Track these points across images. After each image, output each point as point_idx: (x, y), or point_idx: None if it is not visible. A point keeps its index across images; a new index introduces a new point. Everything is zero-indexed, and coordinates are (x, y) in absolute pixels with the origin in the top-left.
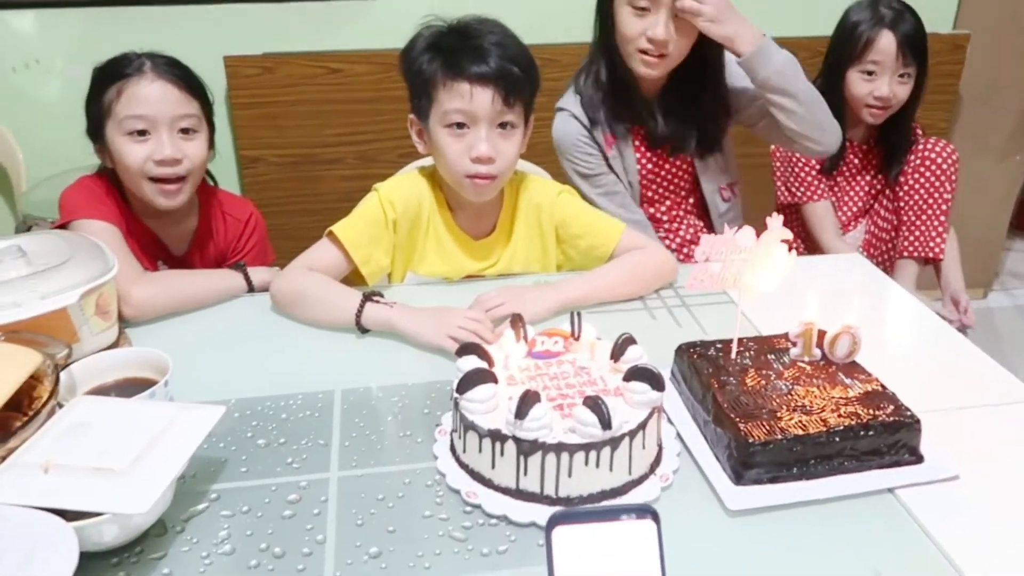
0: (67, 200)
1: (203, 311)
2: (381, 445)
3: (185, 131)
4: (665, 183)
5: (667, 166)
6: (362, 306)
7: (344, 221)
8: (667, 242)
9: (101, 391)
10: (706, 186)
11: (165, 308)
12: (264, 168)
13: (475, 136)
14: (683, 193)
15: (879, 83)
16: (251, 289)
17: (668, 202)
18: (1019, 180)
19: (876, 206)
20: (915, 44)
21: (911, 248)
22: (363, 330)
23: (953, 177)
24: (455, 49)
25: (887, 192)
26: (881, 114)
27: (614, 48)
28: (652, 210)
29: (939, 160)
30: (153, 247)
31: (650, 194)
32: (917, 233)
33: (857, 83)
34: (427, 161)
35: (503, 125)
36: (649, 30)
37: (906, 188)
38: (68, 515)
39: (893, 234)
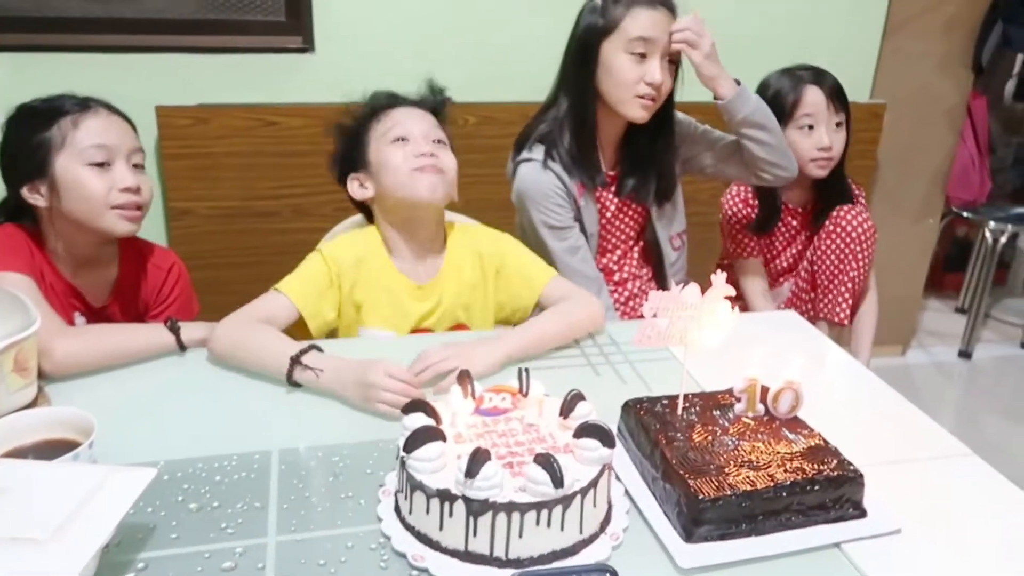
0: None
1: (130, 368)
2: (322, 507)
3: (136, 166)
4: (620, 232)
5: (627, 214)
6: (291, 368)
7: (289, 277)
8: (615, 295)
9: (18, 454)
10: (660, 233)
11: (89, 364)
12: (194, 220)
13: (414, 146)
14: (631, 243)
15: (818, 133)
16: (181, 346)
17: (619, 251)
18: (933, 242)
19: (802, 265)
20: (839, 93)
21: (823, 311)
22: (295, 384)
23: (867, 247)
24: (387, 97)
25: (808, 253)
26: (827, 164)
27: (590, 97)
28: (604, 260)
29: (850, 228)
30: (70, 298)
31: (605, 243)
32: (828, 297)
33: (798, 140)
34: (360, 219)
35: (437, 142)
36: (647, 75)
37: (820, 251)
38: None
39: (813, 294)
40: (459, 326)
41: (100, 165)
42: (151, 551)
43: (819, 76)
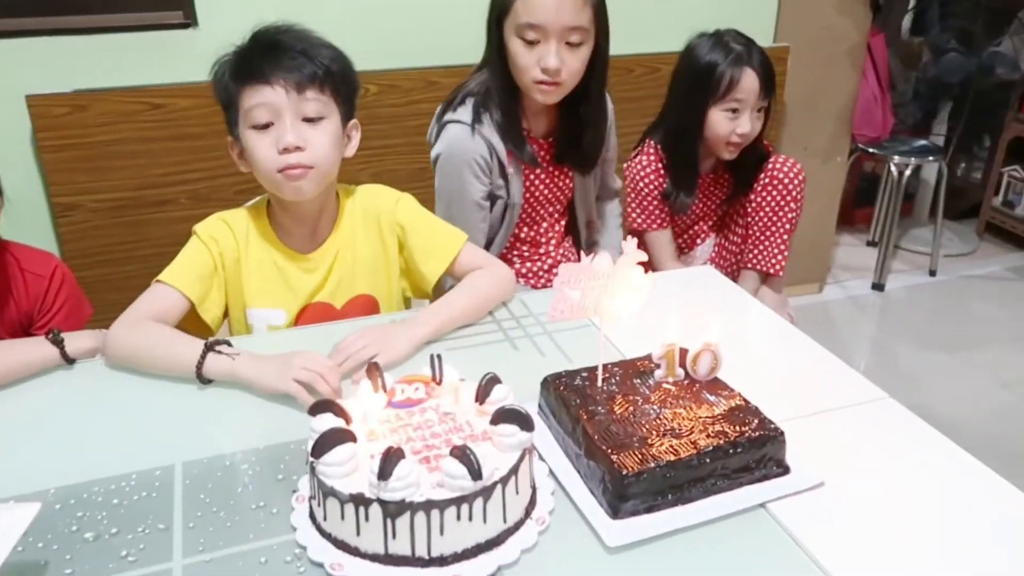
0: None
1: (10, 388)
2: (232, 522)
3: None
4: (547, 202)
5: (556, 184)
6: (203, 356)
7: (171, 267)
8: (538, 264)
9: None
10: (579, 208)
11: None
12: (83, 215)
13: (279, 129)
14: (557, 215)
15: (741, 120)
16: (67, 359)
17: (545, 223)
18: (842, 179)
19: (727, 219)
20: (770, 77)
21: (754, 262)
22: (205, 381)
23: (799, 196)
24: (251, 54)
25: (737, 208)
26: (738, 149)
27: (507, 73)
28: (529, 231)
29: (785, 180)
30: None
31: (532, 214)
32: (761, 248)
33: (720, 122)
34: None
35: (308, 119)
36: (541, 60)
37: (754, 205)
38: None
39: (741, 246)
40: (363, 297)
41: None
42: None
43: (752, 55)
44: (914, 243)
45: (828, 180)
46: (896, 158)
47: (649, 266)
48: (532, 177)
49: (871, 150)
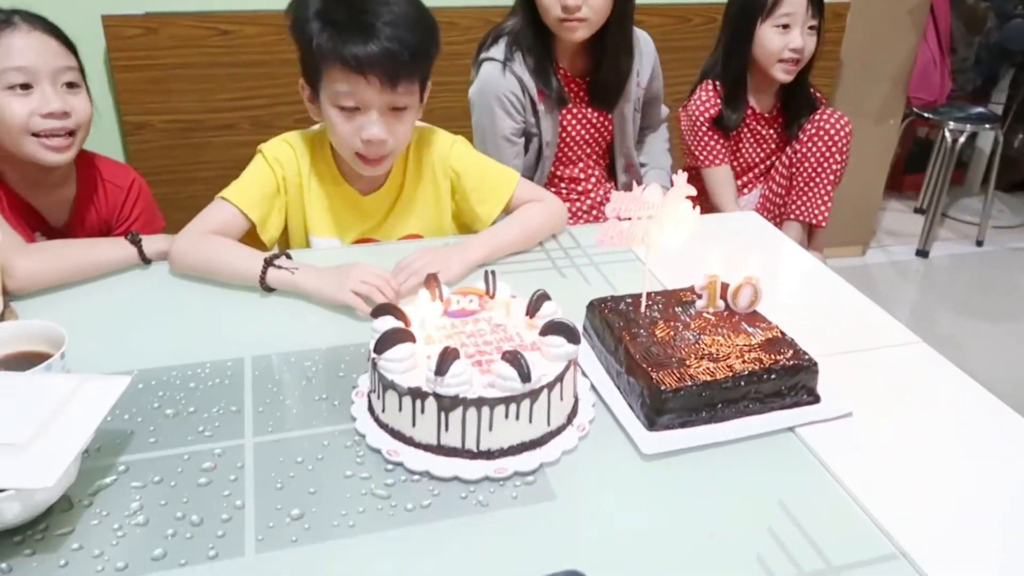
0: None
1: (96, 282)
2: (296, 410)
3: (70, 85)
4: (584, 143)
5: (586, 126)
6: (264, 270)
7: (234, 184)
8: (579, 202)
9: None
10: (617, 150)
11: (52, 280)
12: (150, 135)
13: (366, 119)
14: (596, 157)
15: (793, 35)
16: (145, 260)
17: (582, 163)
18: (894, 143)
19: (772, 171)
20: None
21: (797, 212)
22: (268, 289)
23: (844, 149)
24: (345, 26)
25: (782, 158)
26: (794, 68)
27: (535, 12)
28: (568, 170)
29: (832, 132)
30: (29, 218)
31: (569, 154)
32: (805, 199)
33: (771, 37)
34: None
35: (395, 108)
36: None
37: (799, 155)
38: None
39: (785, 197)
40: (413, 237)
41: (24, 87)
42: (131, 455)
43: None
44: (963, 212)
45: (879, 142)
46: (951, 124)
47: (709, 205)
48: (569, 116)
49: (926, 115)
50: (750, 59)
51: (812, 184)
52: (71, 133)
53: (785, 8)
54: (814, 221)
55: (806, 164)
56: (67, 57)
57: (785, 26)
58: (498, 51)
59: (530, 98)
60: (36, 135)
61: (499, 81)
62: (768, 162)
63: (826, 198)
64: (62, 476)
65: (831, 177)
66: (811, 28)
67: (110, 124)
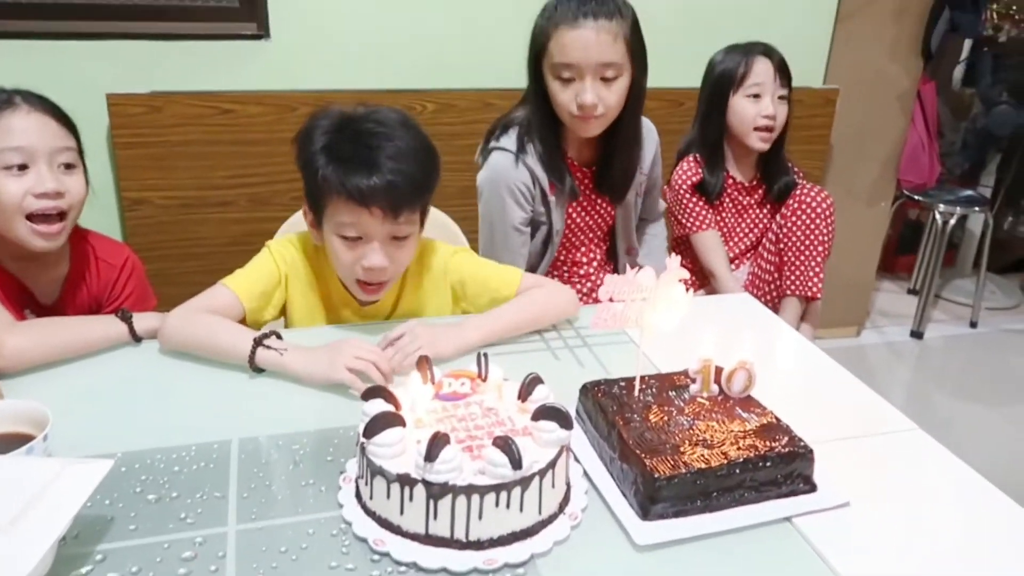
0: None
1: (83, 360)
2: (282, 495)
3: (67, 166)
4: (588, 229)
5: (597, 212)
6: (253, 350)
7: (237, 273)
8: (578, 286)
9: None
10: (619, 236)
11: (41, 358)
12: (149, 210)
13: (368, 248)
14: (597, 241)
15: (764, 103)
16: (136, 337)
17: (584, 248)
18: (885, 224)
19: (760, 248)
20: (785, 69)
21: (792, 287)
22: (257, 370)
23: (829, 221)
24: (349, 159)
25: (769, 234)
26: (769, 136)
27: (548, 110)
28: (570, 255)
29: (814, 205)
30: (19, 295)
31: (573, 240)
32: (798, 273)
33: (744, 107)
34: None
35: (396, 237)
36: (578, 97)
37: (785, 230)
38: None
39: (775, 274)
40: None
41: (21, 168)
42: (109, 543)
43: (768, 50)
44: (956, 294)
45: (871, 224)
46: (941, 206)
47: (701, 273)
48: (575, 204)
49: (916, 197)
50: (726, 129)
51: (802, 257)
52: (62, 215)
53: (754, 78)
54: (809, 294)
55: (793, 239)
56: (65, 137)
57: (756, 95)
58: (509, 142)
59: (541, 190)
60: (29, 217)
61: (510, 172)
62: (753, 235)
63: (817, 270)
64: (37, 565)
65: (820, 248)
66: (781, 97)
67: (109, 200)
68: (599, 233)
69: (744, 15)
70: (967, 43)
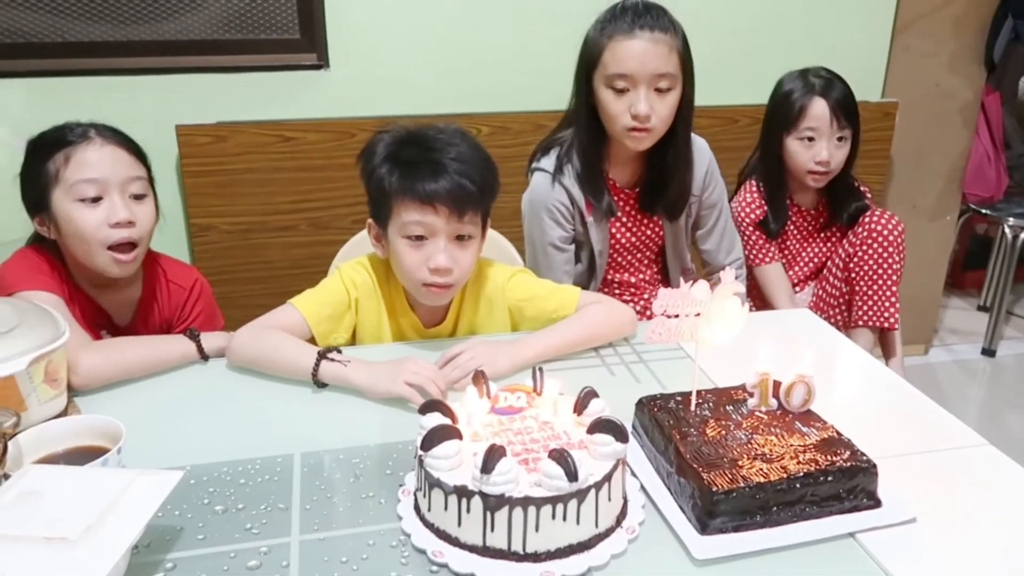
0: (6, 273)
1: (155, 377)
2: (343, 507)
3: (136, 196)
4: (636, 250)
5: (644, 232)
6: (317, 363)
7: (307, 294)
8: (633, 302)
9: (50, 461)
10: (671, 258)
11: (113, 376)
12: (215, 236)
13: (433, 247)
14: (647, 262)
15: (818, 148)
16: (203, 356)
17: (632, 268)
18: (951, 240)
19: (825, 272)
20: (846, 108)
21: (866, 318)
22: (320, 384)
23: (901, 247)
24: (413, 163)
25: (835, 259)
26: (823, 179)
27: (593, 125)
28: (621, 276)
29: (885, 232)
30: (96, 317)
31: (620, 260)
32: (871, 303)
33: (798, 150)
34: None
35: (460, 237)
36: (632, 107)
37: (856, 259)
38: None
39: (842, 302)
40: None
41: (95, 200)
42: (179, 551)
43: (828, 87)
44: None
45: (936, 239)
46: (1011, 220)
47: (760, 303)
48: (618, 225)
49: (983, 211)
50: (785, 166)
51: (875, 287)
52: (134, 244)
53: (808, 122)
54: (886, 324)
55: (865, 268)
56: (136, 167)
57: (810, 139)
58: (548, 162)
59: (579, 209)
60: (110, 248)
61: (548, 192)
62: (817, 260)
63: (893, 299)
64: (111, 572)
65: (894, 278)
66: (839, 139)
67: (178, 226)
68: (648, 254)
69: (799, 29)
70: None
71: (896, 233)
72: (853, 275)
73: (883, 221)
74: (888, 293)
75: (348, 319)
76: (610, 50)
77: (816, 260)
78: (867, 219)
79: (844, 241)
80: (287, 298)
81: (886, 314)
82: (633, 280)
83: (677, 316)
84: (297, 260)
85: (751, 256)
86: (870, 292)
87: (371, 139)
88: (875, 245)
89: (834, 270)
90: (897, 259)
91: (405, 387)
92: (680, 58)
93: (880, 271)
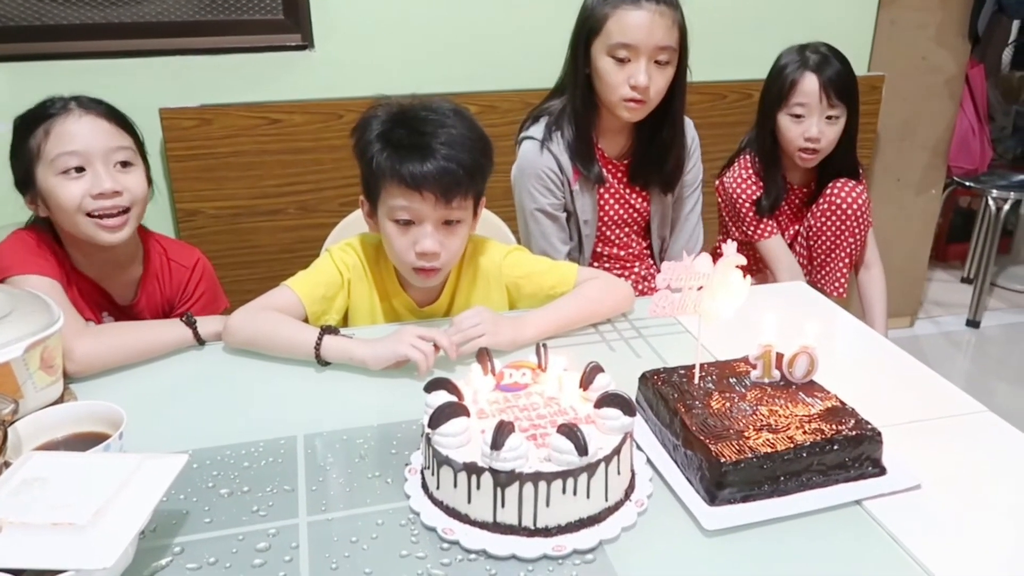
0: (1, 256)
1: (153, 363)
2: (350, 488)
3: (123, 164)
4: (623, 223)
5: (632, 204)
6: (320, 338)
7: (300, 275)
8: (624, 277)
9: (50, 448)
10: (654, 229)
11: (109, 362)
12: (202, 220)
13: (420, 232)
14: (635, 236)
15: (807, 124)
16: (200, 341)
17: (621, 242)
18: (936, 212)
19: (792, 243)
20: (840, 86)
21: (820, 284)
22: (323, 362)
23: (861, 218)
24: (404, 146)
25: (802, 230)
26: (811, 157)
27: (587, 95)
28: (610, 249)
29: (844, 206)
30: (96, 298)
31: (608, 234)
32: (825, 271)
33: (788, 126)
34: None
35: (448, 222)
36: (631, 78)
37: (815, 228)
38: (26, 575)
39: (809, 267)
40: None
41: (78, 170)
42: (186, 535)
43: (822, 63)
44: (1011, 281)
45: (922, 212)
46: (994, 192)
47: (761, 276)
48: (606, 196)
49: (968, 183)
50: (777, 143)
51: (830, 256)
52: (125, 211)
53: (797, 98)
54: (834, 292)
55: (823, 237)
56: (120, 136)
57: (799, 116)
58: (537, 130)
59: (566, 177)
60: (90, 215)
61: (536, 159)
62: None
63: (844, 268)
64: (120, 557)
65: (847, 249)
66: (829, 118)
67: (164, 211)
68: (635, 228)
69: (786, 4)
70: (1015, 25)
71: (858, 204)
72: (811, 243)
73: (843, 193)
74: (839, 263)
75: (340, 300)
76: (615, 19)
77: (796, 233)
78: (829, 189)
79: (808, 212)
80: (277, 282)
81: (835, 283)
82: (622, 254)
83: (679, 290)
84: (286, 244)
85: (751, 232)
86: (826, 260)
87: (365, 113)
88: (832, 216)
89: (800, 239)
90: (856, 229)
91: (410, 348)
92: (680, 32)
93: (836, 240)
